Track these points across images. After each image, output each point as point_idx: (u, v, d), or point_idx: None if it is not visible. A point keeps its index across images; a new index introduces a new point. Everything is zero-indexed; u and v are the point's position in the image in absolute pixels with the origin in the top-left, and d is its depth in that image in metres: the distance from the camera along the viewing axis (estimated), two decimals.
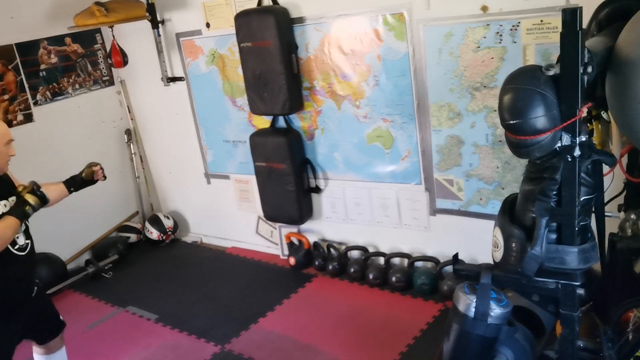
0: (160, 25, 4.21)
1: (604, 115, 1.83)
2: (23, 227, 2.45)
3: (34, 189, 2.45)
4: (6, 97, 4.15)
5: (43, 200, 2.45)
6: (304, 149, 3.91)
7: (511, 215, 1.81)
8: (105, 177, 2.89)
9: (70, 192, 2.86)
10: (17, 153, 4.34)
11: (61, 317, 2.82)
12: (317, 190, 3.96)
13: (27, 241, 2.49)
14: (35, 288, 2.61)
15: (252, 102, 3.77)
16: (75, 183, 2.86)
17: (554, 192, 1.64)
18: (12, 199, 2.43)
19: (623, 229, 2.00)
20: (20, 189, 2.44)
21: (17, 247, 2.42)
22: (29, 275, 2.56)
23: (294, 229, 4.18)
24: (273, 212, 4.05)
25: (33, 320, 2.62)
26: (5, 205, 2.37)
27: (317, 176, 3.93)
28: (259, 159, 3.94)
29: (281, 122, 3.92)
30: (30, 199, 2.40)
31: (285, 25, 3.54)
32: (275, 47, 3.51)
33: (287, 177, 3.85)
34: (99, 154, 4.73)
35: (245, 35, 3.60)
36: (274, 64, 3.55)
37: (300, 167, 3.88)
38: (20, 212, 2.35)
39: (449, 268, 3.43)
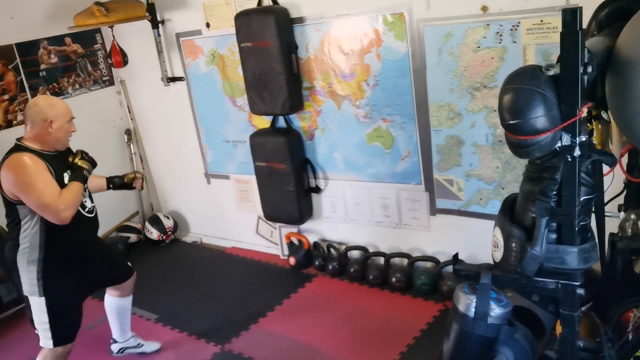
0: (160, 25, 4.21)
1: (604, 115, 1.83)
2: (87, 193, 2.76)
3: (83, 155, 2.74)
4: (6, 97, 4.15)
5: (93, 164, 2.75)
6: (304, 149, 3.92)
7: (511, 215, 1.81)
8: (142, 188, 3.17)
9: (108, 187, 3.10)
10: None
11: (129, 264, 3.16)
12: (317, 190, 3.97)
13: (93, 204, 2.82)
14: (102, 247, 2.99)
15: (252, 102, 3.77)
16: (115, 183, 3.09)
17: (554, 192, 1.64)
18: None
19: (623, 229, 2.00)
20: (71, 158, 2.71)
21: (86, 210, 2.73)
22: (95, 235, 2.87)
23: (294, 229, 4.18)
24: (273, 212, 4.06)
25: (102, 274, 2.93)
26: (69, 173, 2.65)
27: (317, 176, 3.94)
28: (259, 159, 3.94)
29: (281, 122, 3.93)
30: (84, 164, 2.70)
31: (285, 25, 3.54)
32: (275, 47, 3.51)
33: (287, 177, 3.85)
34: (99, 154, 4.71)
35: (245, 35, 3.60)
36: (274, 64, 3.55)
37: (300, 167, 3.88)
38: (80, 176, 2.63)
39: (449, 268, 3.43)
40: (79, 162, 2.68)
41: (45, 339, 2.68)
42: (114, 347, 3.35)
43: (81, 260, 2.74)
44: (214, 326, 3.58)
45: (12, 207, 2.56)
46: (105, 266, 2.96)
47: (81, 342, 3.64)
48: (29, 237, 2.57)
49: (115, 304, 3.17)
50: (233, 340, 3.41)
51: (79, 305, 2.80)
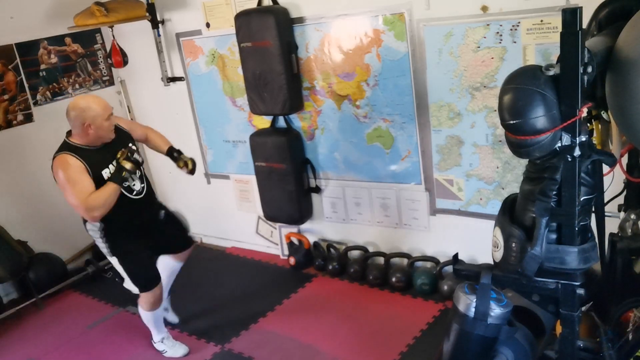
0: (160, 25, 4.21)
1: (604, 115, 1.83)
2: (138, 174, 2.97)
3: (129, 155, 2.85)
4: (6, 97, 4.15)
5: (137, 164, 2.87)
6: (304, 149, 3.91)
7: (511, 215, 1.81)
8: (191, 173, 3.23)
9: (167, 153, 3.26)
10: (16, 153, 4.37)
11: (190, 236, 3.43)
12: (317, 190, 3.96)
13: (143, 185, 3.04)
14: (163, 212, 3.22)
15: (252, 102, 3.77)
16: (172, 157, 3.25)
17: (554, 192, 1.64)
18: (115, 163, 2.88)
19: (623, 229, 2.00)
20: (118, 155, 2.85)
21: (134, 193, 2.96)
22: (150, 207, 3.13)
23: (294, 229, 4.18)
24: (273, 212, 4.05)
25: (163, 238, 3.24)
26: (110, 169, 2.83)
27: (317, 176, 3.93)
28: (259, 159, 3.94)
29: (281, 122, 3.92)
30: (127, 164, 2.82)
31: (285, 25, 3.54)
32: (275, 47, 3.51)
33: (287, 177, 3.85)
34: None
35: (245, 35, 3.60)
36: (274, 64, 3.55)
37: (300, 167, 3.88)
38: (119, 178, 2.80)
39: (449, 268, 3.43)
40: (122, 161, 2.83)
41: (133, 287, 3.09)
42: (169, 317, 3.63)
43: (137, 229, 3.03)
44: (214, 326, 3.58)
45: None
46: (163, 237, 3.24)
47: (81, 342, 3.65)
48: None
49: (168, 264, 3.43)
50: (233, 340, 3.41)
51: (147, 260, 3.15)
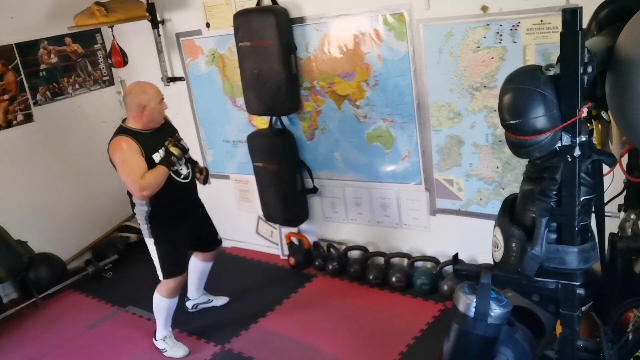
0: (160, 25, 4.21)
1: (604, 115, 1.83)
2: (183, 161, 3.18)
3: (176, 143, 3.12)
4: (6, 97, 4.15)
5: (183, 150, 3.14)
6: (298, 150, 3.91)
7: (511, 215, 1.81)
8: (204, 183, 3.38)
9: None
10: (16, 153, 4.37)
11: (219, 237, 3.63)
12: (314, 191, 3.95)
13: (189, 170, 3.24)
14: (201, 208, 3.46)
15: (250, 102, 3.76)
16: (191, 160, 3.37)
17: (554, 192, 1.64)
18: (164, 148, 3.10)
19: (623, 229, 2.00)
20: (166, 143, 3.10)
21: (182, 177, 3.18)
22: (193, 195, 3.35)
23: (294, 229, 4.18)
24: (270, 213, 4.06)
25: (199, 232, 3.43)
26: (160, 154, 3.06)
27: (316, 176, 3.93)
28: (256, 160, 3.94)
29: (278, 123, 3.91)
30: (175, 150, 3.09)
31: (284, 25, 3.54)
32: (275, 46, 3.50)
33: (280, 178, 3.85)
34: (99, 154, 4.73)
35: (244, 35, 3.59)
36: (273, 63, 3.55)
37: (293, 169, 3.87)
38: (168, 161, 3.05)
39: (449, 268, 3.43)
40: (170, 148, 3.09)
41: (159, 272, 3.26)
42: (189, 304, 3.77)
43: (179, 216, 3.22)
44: (214, 326, 3.58)
45: None
46: (199, 231, 3.43)
47: (81, 342, 3.65)
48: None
49: (199, 266, 3.63)
50: (233, 340, 3.41)
51: (180, 250, 3.32)
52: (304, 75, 3.70)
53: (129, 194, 3.14)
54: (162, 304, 3.32)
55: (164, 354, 3.37)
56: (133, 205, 3.19)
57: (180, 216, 3.24)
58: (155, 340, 3.41)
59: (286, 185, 3.87)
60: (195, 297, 3.77)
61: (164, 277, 3.26)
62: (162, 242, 3.21)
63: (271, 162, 3.85)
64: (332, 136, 3.78)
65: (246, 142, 4.05)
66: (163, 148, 3.09)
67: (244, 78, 3.73)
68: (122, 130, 3.09)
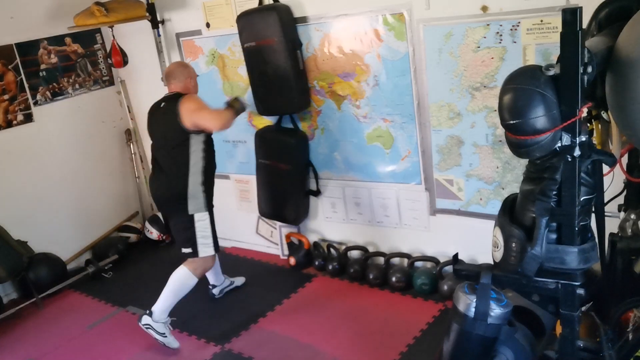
0: (160, 25, 4.21)
1: (604, 115, 1.83)
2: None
3: (236, 99, 3.41)
4: (6, 97, 4.15)
5: (242, 107, 3.38)
6: (309, 151, 3.91)
7: (511, 215, 1.81)
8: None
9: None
10: (16, 153, 4.36)
11: None
12: (317, 193, 3.96)
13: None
14: None
15: (259, 103, 3.74)
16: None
17: (554, 192, 1.64)
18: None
19: (623, 229, 2.00)
20: (229, 99, 3.43)
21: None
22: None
23: (294, 229, 4.18)
24: (268, 209, 4.05)
25: None
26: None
27: (318, 179, 3.92)
28: (263, 156, 3.92)
29: (286, 122, 3.91)
30: (236, 104, 3.36)
31: (288, 21, 3.51)
32: (280, 43, 3.48)
33: (290, 178, 3.84)
34: (99, 154, 4.74)
35: (249, 36, 3.58)
36: (280, 61, 3.52)
37: (303, 169, 3.87)
38: (233, 108, 3.32)
39: (449, 268, 3.43)
40: (232, 102, 3.37)
41: (207, 249, 3.34)
42: (215, 291, 3.87)
43: (213, 187, 3.40)
44: (214, 326, 3.58)
45: (186, 137, 3.20)
46: None
47: (81, 342, 3.65)
48: (196, 161, 3.25)
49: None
50: (233, 340, 3.41)
51: None
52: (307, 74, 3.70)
53: (172, 167, 3.25)
54: (190, 283, 3.35)
55: (162, 338, 3.30)
56: (177, 179, 3.24)
57: (213, 188, 3.40)
58: (152, 319, 3.31)
59: (295, 186, 3.86)
60: (219, 282, 3.86)
61: (215, 250, 3.37)
62: (212, 214, 3.35)
63: (283, 162, 3.83)
64: (332, 136, 3.78)
65: (246, 142, 4.06)
66: (227, 102, 3.38)
67: (252, 79, 3.71)
68: (181, 95, 3.27)
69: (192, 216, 3.28)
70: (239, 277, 4.00)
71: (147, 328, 3.32)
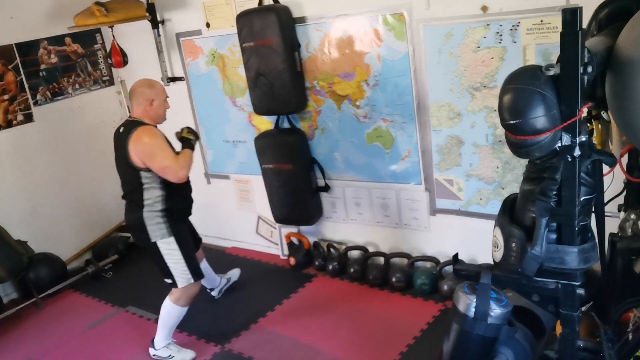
0: (160, 25, 4.21)
1: (604, 115, 1.83)
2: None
3: (188, 129, 3.26)
4: (6, 97, 4.15)
5: (196, 136, 3.25)
6: (310, 149, 3.90)
7: (511, 215, 1.81)
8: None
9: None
10: (16, 153, 4.37)
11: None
12: (327, 188, 3.94)
13: None
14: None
15: (257, 102, 3.75)
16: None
17: (554, 192, 1.64)
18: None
19: (623, 229, 2.00)
20: (181, 130, 3.25)
21: None
22: (191, 191, 3.30)
23: (294, 229, 4.18)
24: (283, 214, 3.99)
25: (192, 230, 3.47)
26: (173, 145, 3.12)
27: (325, 175, 3.91)
28: (266, 161, 3.91)
29: (284, 123, 3.91)
30: (190, 135, 3.21)
31: (287, 23, 3.53)
32: (278, 44, 3.49)
33: (295, 177, 3.82)
34: (99, 154, 4.74)
35: (248, 35, 3.59)
36: (277, 62, 3.53)
37: (307, 167, 3.86)
38: (190, 144, 3.17)
39: (449, 268, 3.43)
40: (185, 134, 3.21)
41: (185, 278, 3.15)
42: (214, 293, 3.85)
43: (186, 213, 3.28)
44: (214, 326, 3.58)
45: (136, 175, 3.00)
46: (191, 226, 3.47)
47: (81, 342, 3.65)
48: (152, 195, 3.04)
49: (202, 266, 3.54)
50: (233, 340, 3.41)
51: (193, 251, 3.29)
52: (304, 75, 3.70)
53: (129, 197, 3.10)
54: (178, 313, 3.22)
55: None
56: (134, 209, 3.06)
57: (186, 214, 3.27)
58: (155, 349, 3.29)
59: (301, 185, 3.85)
60: (216, 284, 3.83)
61: (195, 279, 3.16)
62: (184, 241, 3.13)
63: (285, 162, 3.82)
64: (332, 136, 3.78)
65: (246, 142, 4.05)
66: (178, 134, 3.22)
67: (250, 79, 3.71)
68: (140, 123, 3.05)
69: (155, 244, 3.08)
70: (232, 270, 3.97)
71: (156, 358, 3.32)
